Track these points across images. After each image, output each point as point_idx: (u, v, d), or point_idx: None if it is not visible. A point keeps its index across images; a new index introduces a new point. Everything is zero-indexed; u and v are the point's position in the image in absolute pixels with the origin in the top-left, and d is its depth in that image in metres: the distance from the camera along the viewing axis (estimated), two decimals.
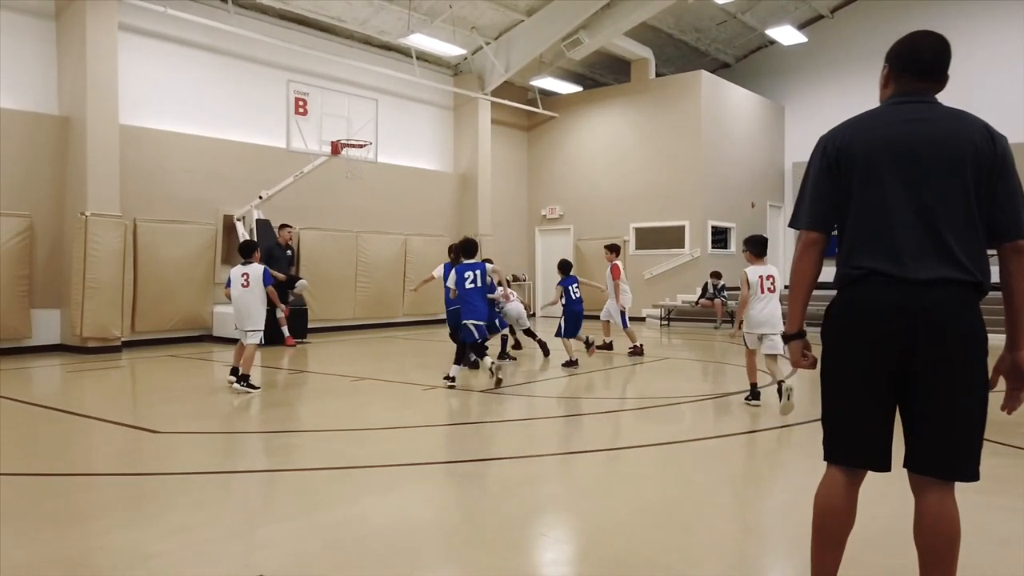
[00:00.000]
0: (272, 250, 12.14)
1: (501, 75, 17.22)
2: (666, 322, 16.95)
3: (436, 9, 15.15)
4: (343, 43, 15.39)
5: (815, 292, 2.60)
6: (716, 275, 16.00)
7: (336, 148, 12.58)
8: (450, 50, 16.46)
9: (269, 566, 3.17)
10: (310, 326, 13.36)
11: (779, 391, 6.31)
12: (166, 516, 3.89)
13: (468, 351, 8.60)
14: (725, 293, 15.94)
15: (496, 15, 16.23)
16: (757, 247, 6.95)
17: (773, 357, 6.85)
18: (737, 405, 7.11)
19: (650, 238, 18.23)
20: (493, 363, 8.20)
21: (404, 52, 16.29)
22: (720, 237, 18.35)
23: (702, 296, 16.20)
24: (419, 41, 15.63)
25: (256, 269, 8.00)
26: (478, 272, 8.21)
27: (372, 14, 14.90)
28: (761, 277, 6.82)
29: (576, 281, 10.54)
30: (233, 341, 12.28)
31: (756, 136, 19.63)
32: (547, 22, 16.32)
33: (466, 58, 17.44)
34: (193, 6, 12.62)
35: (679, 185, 17.67)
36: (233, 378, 7.92)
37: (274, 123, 13.31)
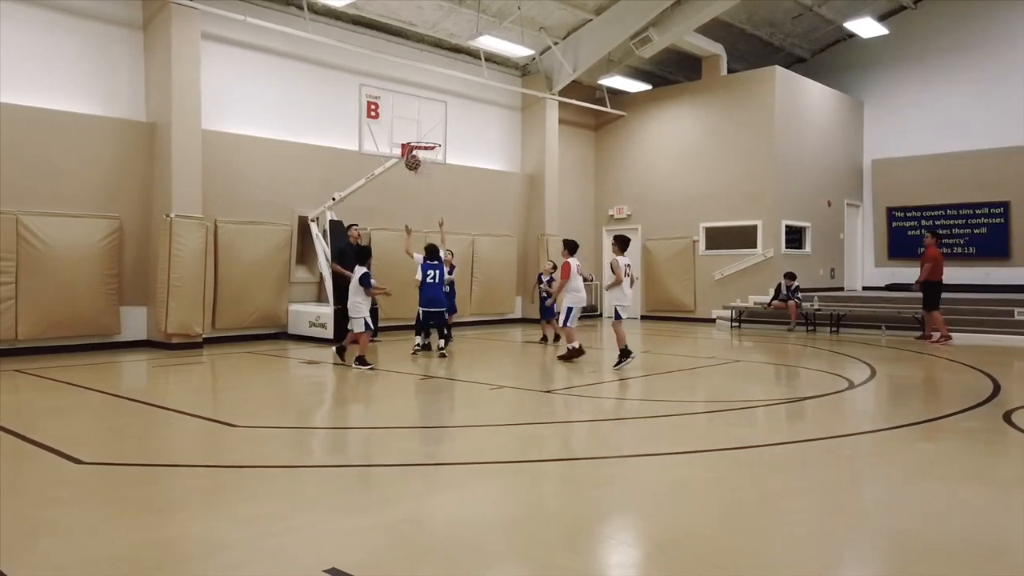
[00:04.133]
0: (345, 249, 12.42)
1: (569, 75, 17.17)
2: (737, 324, 16.57)
3: (505, 10, 15.22)
4: (414, 46, 15.62)
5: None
6: (790, 276, 15.55)
7: (406, 150, 12.77)
8: (518, 51, 16.50)
9: (339, 558, 3.24)
10: (380, 325, 13.59)
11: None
12: (240, 506, 4.03)
13: (426, 331, 11.36)
14: (800, 295, 15.46)
15: (564, 15, 16.19)
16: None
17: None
18: (812, 409, 6.89)
19: (721, 238, 17.85)
20: (440, 346, 10.91)
21: (473, 54, 16.43)
22: (794, 237, 17.83)
23: (775, 298, 15.77)
24: (488, 43, 15.73)
25: (356, 271, 9.75)
26: (437, 271, 10.81)
27: (442, 17, 15.07)
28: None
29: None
30: (306, 338, 12.63)
31: (833, 132, 18.99)
32: (616, 20, 16.19)
33: (534, 58, 17.46)
34: (271, 14, 13.03)
35: (751, 184, 17.25)
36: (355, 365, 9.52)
37: (347, 126, 13.61)
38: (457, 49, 16.35)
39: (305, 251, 13.30)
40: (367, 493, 4.36)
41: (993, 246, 17.37)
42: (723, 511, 4.01)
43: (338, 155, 13.87)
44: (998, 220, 17.43)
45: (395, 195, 14.74)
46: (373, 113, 12.90)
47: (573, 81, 17.59)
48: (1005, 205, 17.29)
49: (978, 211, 17.69)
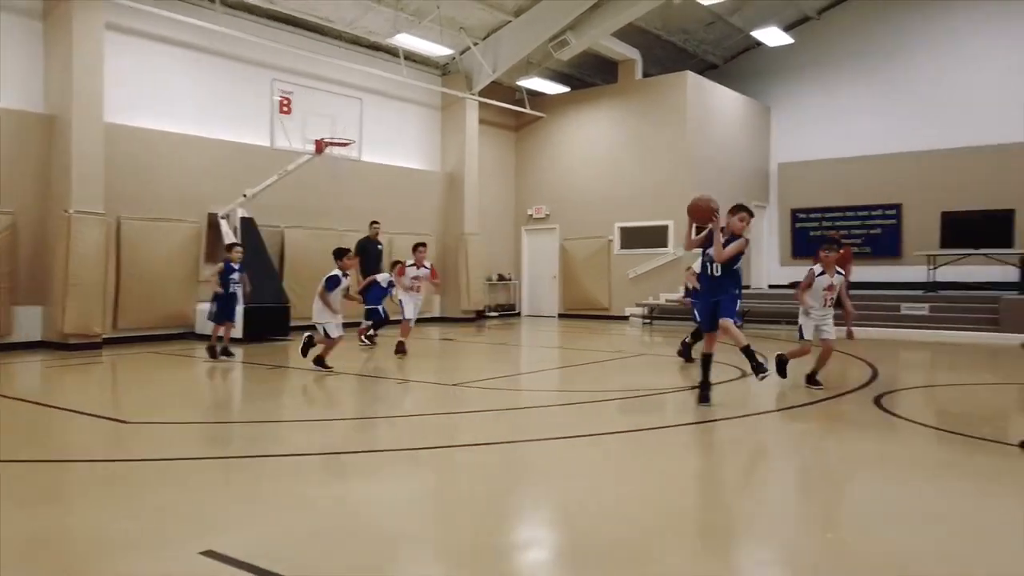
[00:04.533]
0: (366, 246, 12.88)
1: (489, 75, 17.35)
2: (649, 321, 17.07)
3: (424, 9, 15.28)
4: (330, 43, 15.51)
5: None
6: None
7: (320, 147, 12.70)
8: (437, 50, 16.59)
9: (220, 542, 3.28)
10: (293, 324, 13.45)
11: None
12: (124, 497, 4.00)
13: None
14: None
15: (484, 15, 16.36)
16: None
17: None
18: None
19: (635, 238, 18.37)
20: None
21: (392, 52, 16.41)
22: None
23: (686, 295, 16.29)
24: (407, 41, 15.76)
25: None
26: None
27: (360, 14, 15.01)
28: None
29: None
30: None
31: (742, 137, 19.78)
32: (534, 23, 16.46)
33: (454, 58, 17.58)
34: (180, 5, 12.72)
35: (665, 185, 17.80)
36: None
37: (259, 122, 13.40)
38: (376, 47, 16.31)
39: (214, 249, 13.04)
40: (257, 483, 4.39)
41: (887, 246, 18.43)
42: (616, 485, 4.23)
43: (250, 151, 13.65)
44: (892, 221, 18.51)
45: (310, 192, 14.61)
46: (286, 108, 12.79)
47: (493, 82, 17.78)
48: (898, 207, 18.38)
49: (873, 213, 18.74)
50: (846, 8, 19.26)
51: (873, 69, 18.77)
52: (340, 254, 9.14)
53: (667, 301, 17.06)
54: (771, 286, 20.13)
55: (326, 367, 8.80)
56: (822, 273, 7.40)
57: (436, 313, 17.96)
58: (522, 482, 4.50)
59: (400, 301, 10.90)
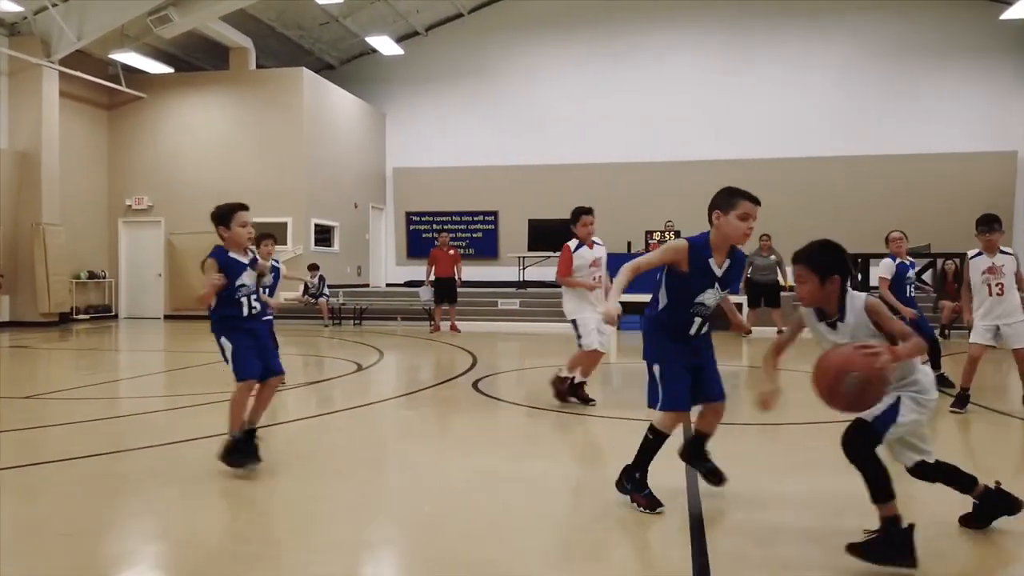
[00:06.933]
0: None
1: (72, 43, 15.05)
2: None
3: None
4: None
5: None
6: (313, 267, 15.88)
7: None
8: (1, 4, 13.88)
9: None
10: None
11: None
12: None
13: None
14: (328, 290, 16.08)
15: None
16: None
17: None
18: (320, 390, 7.23)
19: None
20: None
21: None
22: (324, 235, 18.53)
23: (305, 292, 16.13)
24: None
25: None
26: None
27: None
28: None
29: None
30: None
31: (360, 139, 20.26)
32: None
33: (25, 17, 14.89)
34: None
35: (283, 181, 17.35)
36: None
37: None
38: None
39: None
40: None
41: (487, 248, 20.54)
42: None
43: None
44: (491, 226, 20.68)
45: None
46: None
47: (80, 52, 15.49)
48: (495, 214, 20.60)
49: (476, 218, 20.73)
50: (449, 28, 20.90)
51: (473, 87, 20.70)
52: None
53: (286, 300, 16.67)
54: (388, 284, 21.00)
55: None
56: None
57: (4, 317, 15.04)
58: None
59: None
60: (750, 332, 6.15)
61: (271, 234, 7.63)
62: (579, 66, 20.12)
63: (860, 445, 2.95)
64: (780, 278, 13.18)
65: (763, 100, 19.06)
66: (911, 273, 7.23)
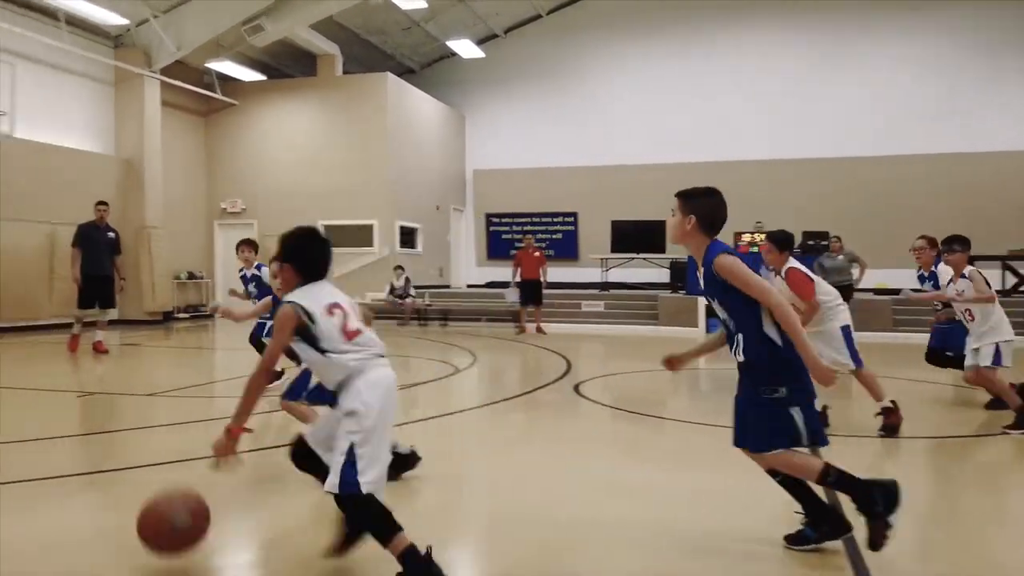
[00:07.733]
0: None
1: (172, 53, 15.73)
2: None
3: None
4: None
5: None
6: (399, 268, 16.23)
7: None
8: (107, 17, 14.57)
9: None
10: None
11: None
12: None
13: None
14: (413, 290, 16.33)
15: None
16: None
17: None
18: (424, 392, 7.34)
19: (339, 236, 17.99)
20: None
21: (49, 13, 14.07)
22: (408, 237, 18.83)
23: (391, 292, 16.42)
24: (68, 2, 13.63)
25: None
26: None
27: None
28: None
29: None
30: None
31: (441, 141, 20.51)
32: (225, 2, 15.30)
33: (128, 30, 15.64)
34: None
35: (368, 184, 17.73)
36: None
37: None
38: (29, 5, 13.85)
39: None
40: None
41: (566, 249, 20.49)
42: None
43: None
44: (570, 227, 20.62)
45: None
46: None
47: (179, 62, 16.18)
48: (575, 215, 20.53)
49: (555, 219, 20.72)
50: (527, 30, 20.94)
51: (552, 88, 20.68)
52: None
53: (373, 301, 17.02)
54: (469, 285, 21.20)
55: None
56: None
57: (114, 316, 15.81)
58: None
59: None
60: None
61: (246, 239, 7.85)
62: (659, 65, 19.85)
63: None
64: (857, 274, 12.43)
65: (851, 98, 18.41)
66: (926, 286, 6.64)
